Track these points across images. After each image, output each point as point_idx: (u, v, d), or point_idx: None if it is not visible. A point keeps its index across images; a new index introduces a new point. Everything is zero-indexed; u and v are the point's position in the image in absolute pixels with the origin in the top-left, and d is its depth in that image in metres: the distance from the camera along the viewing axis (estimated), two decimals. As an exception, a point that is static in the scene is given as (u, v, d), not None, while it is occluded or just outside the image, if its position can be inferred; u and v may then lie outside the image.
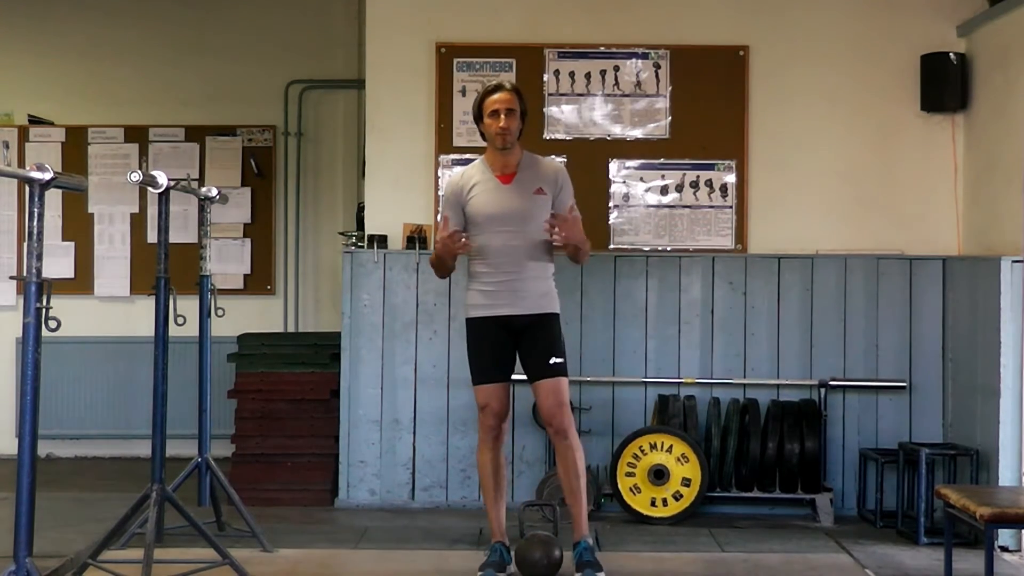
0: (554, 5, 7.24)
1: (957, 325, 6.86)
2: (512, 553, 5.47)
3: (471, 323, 5.55)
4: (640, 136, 7.14)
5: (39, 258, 3.90)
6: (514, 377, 5.57)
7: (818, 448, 6.74)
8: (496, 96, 5.44)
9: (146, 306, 6.09)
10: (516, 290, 5.42)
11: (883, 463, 6.71)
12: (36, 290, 3.87)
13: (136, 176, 5.15)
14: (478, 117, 5.52)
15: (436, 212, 7.12)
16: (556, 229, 5.32)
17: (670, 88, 7.13)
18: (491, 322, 5.45)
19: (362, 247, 7.14)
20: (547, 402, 5.41)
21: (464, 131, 7.12)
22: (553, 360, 5.41)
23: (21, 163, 8.43)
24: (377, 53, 7.23)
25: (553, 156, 5.91)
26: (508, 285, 5.42)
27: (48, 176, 3.90)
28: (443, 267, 5.58)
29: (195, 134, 8.84)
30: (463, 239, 5.38)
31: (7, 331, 8.62)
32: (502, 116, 5.41)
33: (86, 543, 5.62)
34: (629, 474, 6.70)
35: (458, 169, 6.08)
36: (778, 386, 7.03)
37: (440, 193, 7.11)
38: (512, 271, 5.42)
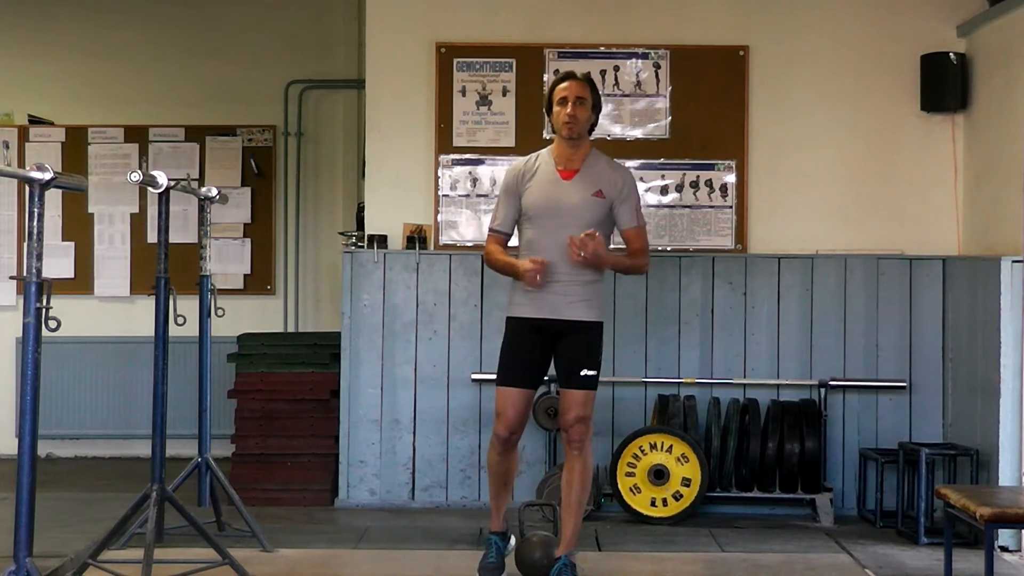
0: (554, 5, 7.24)
1: (957, 325, 6.86)
2: (508, 541, 5.44)
3: (510, 322, 5.31)
4: (640, 136, 7.14)
5: (39, 258, 3.90)
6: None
7: (818, 448, 6.74)
8: (565, 84, 5.27)
9: (146, 306, 6.09)
10: (560, 293, 5.17)
11: (883, 463, 6.71)
12: (36, 290, 3.87)
13: (136, 176, 5.15)
14: (548, 107, 5.34)
15: (436, 212, 7.13)
16: (576, 249, 5.04)
17: (670, 88, 7.13)
18: (529, 324, 5.22)
19: (362, 247, 7.14)
20: (570, 413, 5.20)
21: (464, 131, 7.12)
22: (584, 372, 5.19)
23: (21, 163, 8.43)
24: (377, 53, 7.23)
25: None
26: (552, 288, 5.16)
27: (48, 176, 3.90)
28: (502, 274, 5.41)
29: (195, 134, 8.84)
30: (539, 276, 5.07)
31: (7, 331, 8.62)
32: (570, 104, 5.21)
33: (86, 543, 5.62)
34: (629, 474, 6.70)
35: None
36: (778, 386, 7.03)
37: (440, 193, 7.14)
38: (558, 272, 5.15)
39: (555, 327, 5.21)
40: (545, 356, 5.30)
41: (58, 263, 8.58)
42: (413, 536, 6.34)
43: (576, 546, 5.36)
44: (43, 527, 4.23)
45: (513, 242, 5.43)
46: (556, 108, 5.27)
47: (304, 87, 8.91)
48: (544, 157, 5.36)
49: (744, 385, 7.03)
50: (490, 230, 5.41)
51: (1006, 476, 6.16)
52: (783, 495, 6.84)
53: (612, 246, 5.36)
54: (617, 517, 6.75)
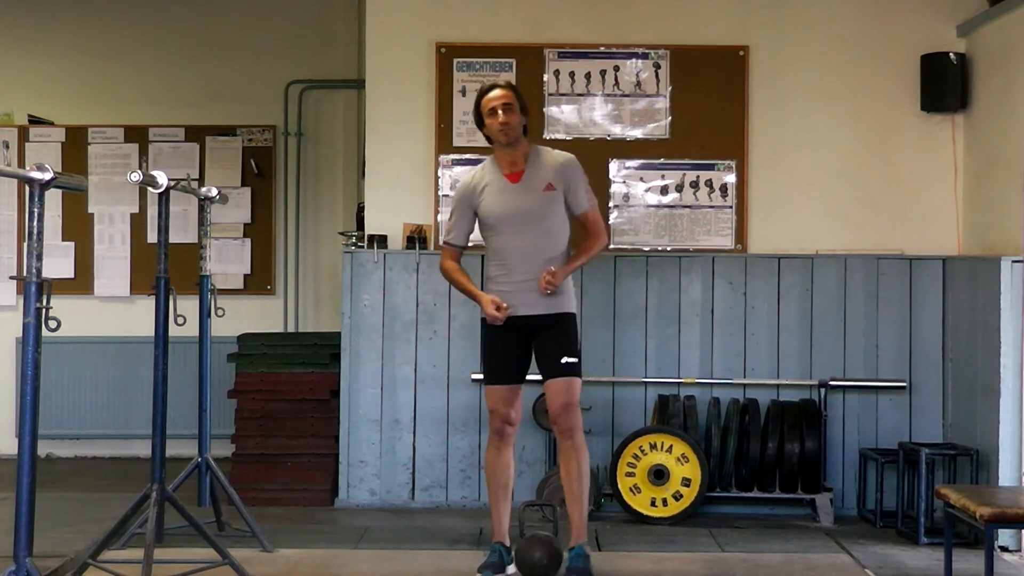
0: (554, 5, 7.24)
1: (957, 325, 6.86)
2: (512, 554, 5.46)
3: (485, 323, 5.47)
4: (640, 136, 7.14)
5: (39, 258, 3.90)
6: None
7: (818, 448, 6.74)
8: (491, 94, 5.45)
9: (146, 306, 6.09)
10: (532, 290, 5.36)
11: (883, 463, 6.71)
12: (36, 290, 3.87)
13: (136, 176, 5.15)
14: (479, 122, 5.51)
15: (436, 212, 7.13)
16: (546, 287, 5.30)
17: (670, 88, 7.13)
18: (506, 323, 5.38)
19: (362, 247, 7.14)
20: (556, 402, 5.39)
21: (464, 131, 7.12)
22: (565, 360, 5.37)
23: (21, 163, 8.43)
24: (377, 53, 7.23)
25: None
26: (524, 285, 5.37)
27: (48, 176, 3.90)
28: (461, 292, 5.66)
29: (195, 134, 8.84)
30: (501, 314, 5.34)
31: (7, 331, 8.62)
32: (500, 112, 5.40)
33: (86, 543, 5.62)
34: (629, 474, 6.70)
35: (467, 170, 6.08)
36: (778, 386, 7.03)
37: (441, 193, 7.13)
38: (527, 271, 5.37)
39: (533, 322, 5.40)
40: (525, 350, 5.47)
41: (58, 263, 8.58)
42: (413, 536, 6.34)
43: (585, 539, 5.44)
44: (43, 527, 4.23)
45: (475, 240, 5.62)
46: (488, 120, 5.46)
47: (304, 87, 8.91)
48: (489, 167, 5.56)
49: (744, 385, 7.03)
50: (444, 243, 5.63)
51: (1006, 476, 6.16)
52: (783, 495, 6.84)
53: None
54: (617, 517, 6.75)
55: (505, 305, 5.34)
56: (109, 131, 8.85)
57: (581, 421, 5.44)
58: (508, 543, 5.51)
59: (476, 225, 5.57)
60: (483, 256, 5.79)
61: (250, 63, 8.89)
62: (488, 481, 5.57)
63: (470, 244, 5.64)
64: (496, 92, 5.44)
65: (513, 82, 7.01)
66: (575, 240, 5.57)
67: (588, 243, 5.53)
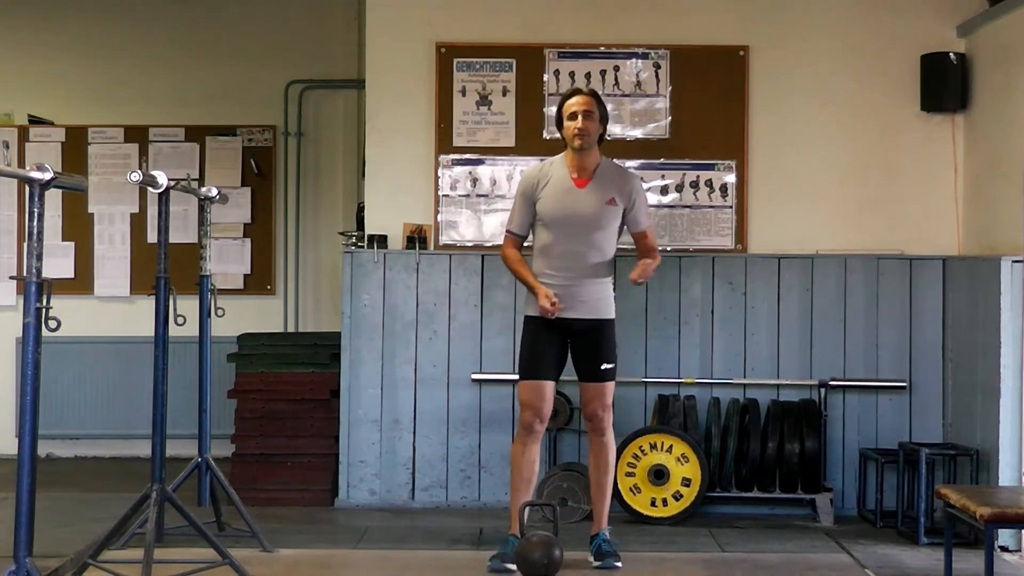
0: (554, 5, 7.24)
1: (957, 325, 6.86)
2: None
3: (529, 320, 5.66)
4: (640, 136, 7.14)
5: (39, 258, 3.89)
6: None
7: (818, 448, 6.74)
8: (574, 99, 5.62)
9: (146, 306, 6.09)
10: (576, 295, 5.55)
11: (883, 463, 6.71)
12: (36, 290, 3.87)
13: (136, 176, 5.15)
14: (559, 122, 5.68)
15: (436, 212, 7.13)
16: (641, 277, 5.53)
17: (670, 88, 7.13)
18: (549, 323, 5.55)
19: (362, 247, 7.14)
20: (592, 403, 5.64)
21: (464, 131, 7.12)
22: (604, 366, 5.61)
23: (21, 163, 8.42)
24: (377, 53, 7.23)
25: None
26: (568, 290, 5.55)
27: (48, 176, 3.90)
28: (517, 279, 5.81)
29: (195, 134, 8.84)
30: (554, 309, 5.50)
31: (7, 331, 8.61)
32: (580, 117, 5.57)
33: (86, 543, 5.62)
34: (629, 474, 6.69)
35: (536, 162, 6.14)
36: (778, 386, 7.03)
37: (441, 193, 7.14)
38: (573, 275, 5.57)
39: (575, 325, 5.59)
40: (564, 351, 5.67)
41: (58, 263, 8.58)
42: (413, 536, 6.34)
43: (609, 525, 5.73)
44: (43, 527, 4.23)
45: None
46: (567, 122, 5.65)
47: (304, 87, 8.91)
48: (558, 165, 5.70)
49: (744, 385, 7.03)
50: (507, 231, 5.79)
51: (1006, 476, 6.16)
52: (783, 495, 6.84)
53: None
54: (617, 517, 6.72)
55: (557, 302, 5.49)
56: (109, 131, 8.85)
57: (611, 420, 5.69)
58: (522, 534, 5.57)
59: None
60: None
61: (250, 63, 8.89)
62: (512, 474, 5.68)
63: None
64: (579, 98, 5.62)
65: (514, 81, 7.04)
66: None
67: (649, 253, 5.70)
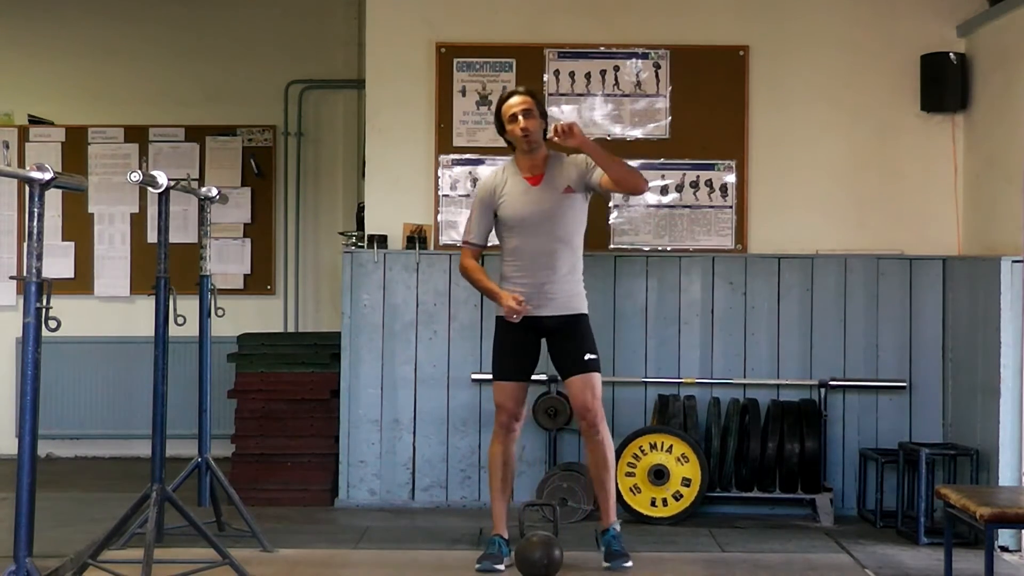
0: (554, 5, 7.24)
1: (957, 325, 6.86)
2: (510, 547, 5.55)
3: (500, 321, 5.69)
4: (640, 136, 7.14)
5: (39, 258, 3.89)
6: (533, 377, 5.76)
7: (818, 448, 6.74)
8: (511, 101, 5.62)
9: (146, 306, 6.09)
10: (547, 292, 5.58)
11: (883, 463, 6.71)
12: (36, 290, 3.87)
13: (136, 176, 5.15)
14: (500, 128, 5.68)
15: (436, 212, 7.14)
16: (557, 134, 5.41)
17: (670, 88, 7.13)
18: (521, 323, 5.56)
19: (362, 247, 7.14)
20: (581, 397, 5.60)
21: (464, 131, 7.12)
22: (587, 356, 5.59)
23: (21, 163, 8.43)
24: (377, 53, 7.23)
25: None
26: (539, 288, 5.57)
27: (48, 176, 3.90)
28: (479, 291, 5.84)
29: (195, 134, 8.84)
30: (521, 309, 5.49)
31: (7, 331, 8.62)
32: (520, 118, 5.56)
33: (86, 543, 5.62)
34: (629, 474, 6.69)
35: (487, 170, 6.16)
36: (778, 386, 7.03)
37: (441, 193, 7.14)
38: (543, 273, 5.58)
39: (547, 323, 5.62)
40: (536, 350, 5.70)
41: (58, 263, 8.59)
42: (413, 536, 6.34)
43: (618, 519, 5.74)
44: (43, 527, 4.23)
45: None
46: (509, 126, 5.64)
47: (304, 87, 8.91)
48: (510, 170, 5.72)
49: (744, 385, 7.03)
50: (464, 243, 5.79)
51: (1006, 476, 6.16)
52: (783, 495, 6.84)
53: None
54: (617, 517, 6.73)
55: (523, 301, 5.49)
56: (109, 131, 8.85)
57: (604, 414, 5.65)
58: (507, 536, 5.62)
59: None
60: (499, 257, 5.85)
61: (250, 63, 8.89)
62: (490, 475, 5.71)
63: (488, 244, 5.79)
64: (516, 99, 5.62)
65: (513, 81, 7.04)
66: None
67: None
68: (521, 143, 5.60)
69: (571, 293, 5.63)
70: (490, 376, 6.99)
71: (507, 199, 5.63)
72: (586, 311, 5.67)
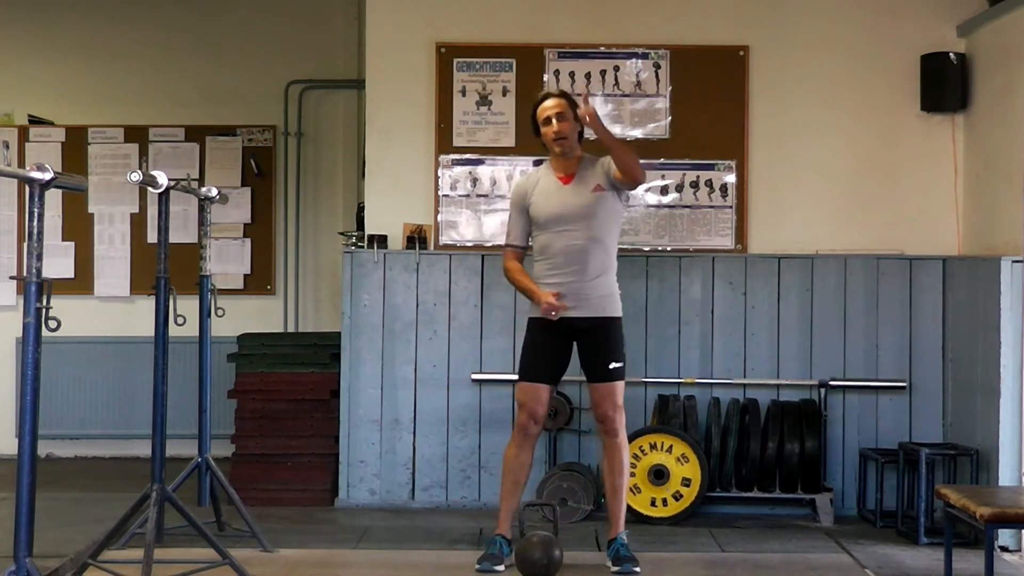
0: (554, 5, 7.24)
1: (957, 325, 6.86)
2: (511, 547, 5.54)
3: (532, 322, 5.66)
4: (640, 136, 7.14)
5: (39, 258, 3.89)
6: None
7: (818, 448, 6.74)
8: (545, 104, 5.62)
9: (146, 306, 6.09)
10: (579, 292, 5.53)
11: (883, 463, 6.70)
12: (36, 290, 3.87)
13: (136, 176, 5.15)
14: (536, 130, 5.68)
15: (436, 212, 7.14)
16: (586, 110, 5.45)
17: (670, 88, 7.13)
18: (553, 325, 5.54)
19: (362, 247, 7.14)
20: (603, 404, 5.58)
21: (464, 131, 7.12)
22: (612, 365, 5.56)
23: (21, 163, 8.43)
24: (377, 53, 7.23)
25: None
26: (571, 287, 5.53)
27: (48, 176, 3.90)
28: (520, 291, 5.81)
29: (195, 134, 8.84)
30: (559, 305, 5.49)
31: (7, 331, 8.62)
32: (554, 121, 5.57)
33: (86, 543, 5.62)
34: (629, 474, 6.68)
35: (524, 172, 6.16)
36: (778, 386, 7.03)
37: (441, 193, 7.14)
38: (575, 272, 5.53)
39: (580, 324, 5.56)
40: (567, 354, 5.64)
41: (58, 263, 8.59)
42: (413, 536, 6.34)
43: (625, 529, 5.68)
44: (43, 527, 4.23)
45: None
46: (543, 129, 5.64)
47: (304, 87, 8.91)
48: (544, 171, 5.75)
49: (744, 385, 7.03)
50: (506, 245, 5.80)
51: (1006, 476, 6.16)
52: (783, 495, 6.84)
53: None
54: (617, 517, 6.75)
55: (559, 301, 5.48)
56: (109, 131, 8.85)
57: (624, 420, 5.62)
58: (510, 536, 5.62)
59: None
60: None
61: (250, 63, 8.89)
62: (504, 475, 5.68)
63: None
64: (549, 102, 5.62)
65: (514, 81, 7.04)
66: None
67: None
68: (554, 146, 5.60)
69: (603, 293, 5.56)
70: (490, 376, 7.03)
71: (538, 197, 5.62)
72: (619, 314, 5.60)
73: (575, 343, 5.62)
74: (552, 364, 5.61)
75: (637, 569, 5.46)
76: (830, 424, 6.92)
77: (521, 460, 5.62)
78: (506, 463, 5.66)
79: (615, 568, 5.49)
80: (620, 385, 5.59)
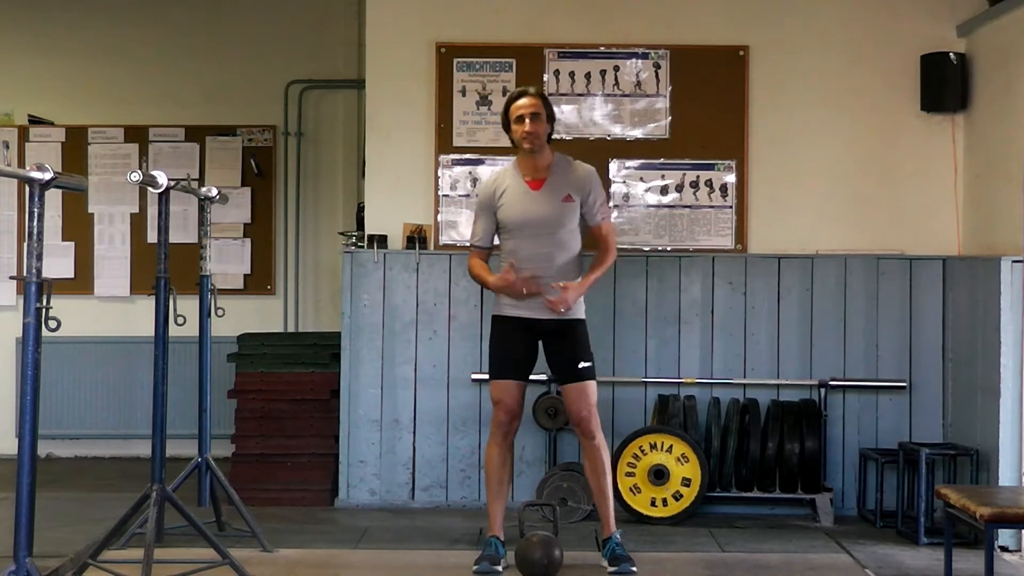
0: (554, 5, 7.24)
1: (957, 325, 6.86)
2: (507, 548, 5.55)
3: (497, 320, 5.69)
4: (640, 136, 7.14)
5: (39, 258, 3.89)
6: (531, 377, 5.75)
7: (818, 448, 6.74)
8: (520, 102, 5.59)
9: (146, 306, 6.09)
10: (544, 295, 5.52)
11: (883, 463, 6.71)
12: (36, 290, 3.87)
13: (136, 176, 5.15)
14: (506, 125, 5.66)
15: (436, 212, 7.14)
16: (559, 305, 5.45)
17: (670, 88, 7.13)
18: (517, 322, 5.60)
19: (362, 247, 7.14)
20: (575, 405, 5.59)
21: (464, 131, 7.12)
22: (582, 365, 5.57)
23: (21, 163, 8.43)
24: (377, 53, 7.23)
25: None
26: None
27: (48, 176, 3.90)
28: (483, 285, 5.82)
29: (195, 134, 8.84)
30: (527, 284, 5.49)
31: (7, 331, 8.61)
32: (527, 120, 5.55)
33: (86, 543, 5.62)
34: (629, 474, 6.69)
35: (490, 172, 6.16)
36: (778, 386, 7.03)
37: (441, 193, 7.14)
38: (540, 276, 5.51)
39: (543, 326, 5.59)
40: (534, 351, 5.68)
41: (58, 263, 8.59)
42: (413, 536, 6.34)
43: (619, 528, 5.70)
44: (43, 527, 4.23)
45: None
46: (514, 126, 5.62)
47: (304, 87, 8.91)
48: (511, 172, 5.71)
49: (744, 385, 7.03)
50: (471, 246, 5.80)
51: (1006, 476, 6.16)
52: (783, 495, 6.84)
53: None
54: (617, 517, 6.66)
55: (516, 270, 5.47)
56: (109, 131, 8.85)
57: (599, 421, 5.64)
58: (503, 537, 5.61)
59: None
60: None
61: (250, 63, 8.89)
62: (487, 476, 5.70)
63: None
64: (524, 100, 5.60)
65: (514, 81, 7.04)
66: (587, 246, 5.72)
67: (600, 257, 5.70)
68: (523, 144, 5.57)
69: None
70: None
71: (506, 202, 5.61)
72: (583, 316, 5.63)
73: (540, 343, 5.64)
74: (521, 361, 5.63)
75: (634, 569, 5.47)
76: (830, 424, 6.92)
77: (503, 457, 5.65)
78: (489, 464, 5.67)
79: (612, 569, 5.49)
80: (592, 385, 5.60)
